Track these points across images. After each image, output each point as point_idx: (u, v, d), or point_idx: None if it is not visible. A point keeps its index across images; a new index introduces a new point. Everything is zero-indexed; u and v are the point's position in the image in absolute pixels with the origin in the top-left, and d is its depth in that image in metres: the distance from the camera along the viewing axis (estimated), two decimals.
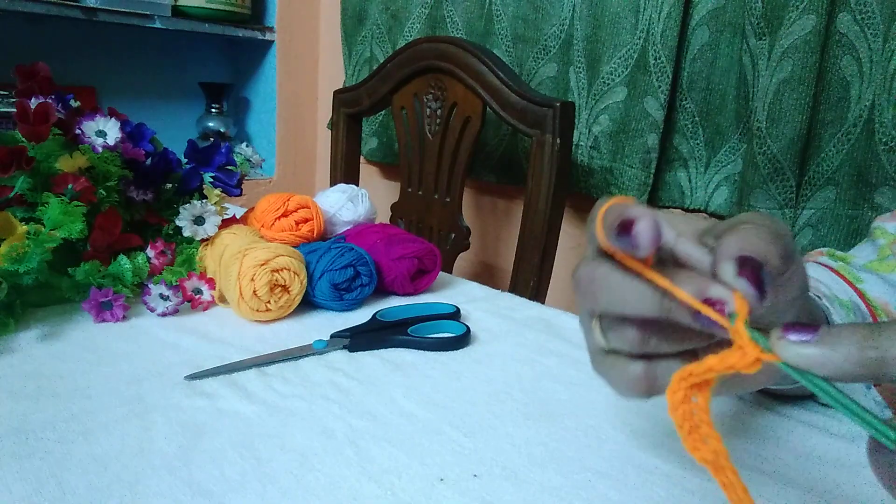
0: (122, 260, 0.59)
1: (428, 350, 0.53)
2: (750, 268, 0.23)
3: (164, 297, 0.56)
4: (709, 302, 0.23)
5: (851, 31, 0.90)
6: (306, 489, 0.34)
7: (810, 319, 0.34)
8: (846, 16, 0.90)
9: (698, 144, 1.11)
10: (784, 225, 0.25)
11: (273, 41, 1.78)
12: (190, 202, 0.62)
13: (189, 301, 0.58)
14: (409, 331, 0.54)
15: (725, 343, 0.23)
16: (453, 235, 1.12)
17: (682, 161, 1.13)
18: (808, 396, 0.46)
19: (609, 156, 1.16)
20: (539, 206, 0.97)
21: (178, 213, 0.62)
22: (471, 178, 1.35)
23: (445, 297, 0.67)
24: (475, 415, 0.43)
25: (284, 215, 0.69)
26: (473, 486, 0.35)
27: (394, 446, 0.38)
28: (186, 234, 0.62)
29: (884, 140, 0.91)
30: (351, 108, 1.28)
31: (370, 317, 0.58)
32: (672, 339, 0.26)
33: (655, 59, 1.06)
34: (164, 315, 0.56)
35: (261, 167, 1.77)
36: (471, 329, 0.55)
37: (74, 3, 1.40)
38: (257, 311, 0.56)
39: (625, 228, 0.23)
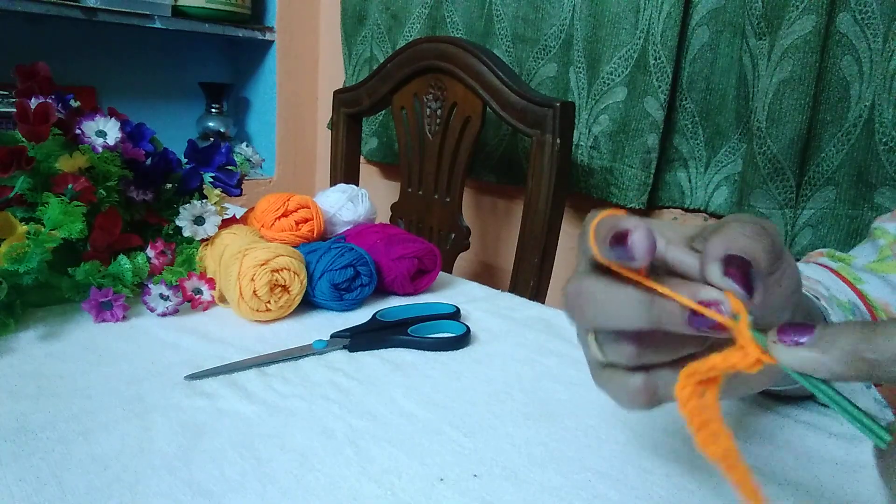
0: (122, 260, 0.59)
1: (428, 350, 0.53)
2: (736, 266, 0.23)
3: (164, 297, 0.56)
4: (702, 304, 0.23)
5: (851, 31, 0.90)
6: (306, 489, 0.34)
7: (807, 320, 0.34)
8: (846, 16, 0.90)
9: (698, 144, 1.11)
10: (771, 223, 0.25)
11: (273, 41, 1.78)
12: (190, 202, 0.62)
13: (189, 301, 0.58)
14: (409, 331, 0.54)
15: (725, 344, 0.23)
16: (453, 235, 1.12)
17: (682, 161, 1.13)
18: (808, 396, 0.46)
19: (609, 156, 1.16)
20: (539, 206, 0.97)
21: (178, 213, 0.62)
22: (471, 178, 1.35)
23: (445, 297, 0.67)
24: (475, 415, 0.43)
25: (284, 215, 0.69)
26: (473, 486, 0.35)
27: (394, 446, 0.38)
28: (186, 234, 0.62)
29: (884, 140, 0.91)
30: (351, 108, 1.28)
31: (370, 317, 0.58)
32: (668, 349, 0.26)
33: (655, 59, 1.06)
34: (164, 315, 0.56)
35: (261, 167, 1.76)
36: (471, 329, 0.55)
37: (74, 3, 1.40)
38: (257, 311, 0.56)
39: (619, 240, 0.23)
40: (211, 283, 0.59)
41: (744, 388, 0.28)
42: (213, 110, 1.82)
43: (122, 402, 0.41)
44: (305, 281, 0.58)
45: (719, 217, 1.11)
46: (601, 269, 0.26)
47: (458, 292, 0.69)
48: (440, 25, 1.40)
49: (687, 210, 1.15)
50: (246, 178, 0.71)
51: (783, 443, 0.41)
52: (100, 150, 0.59)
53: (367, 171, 1.67)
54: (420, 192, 1.18)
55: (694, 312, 0.23)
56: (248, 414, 0.41)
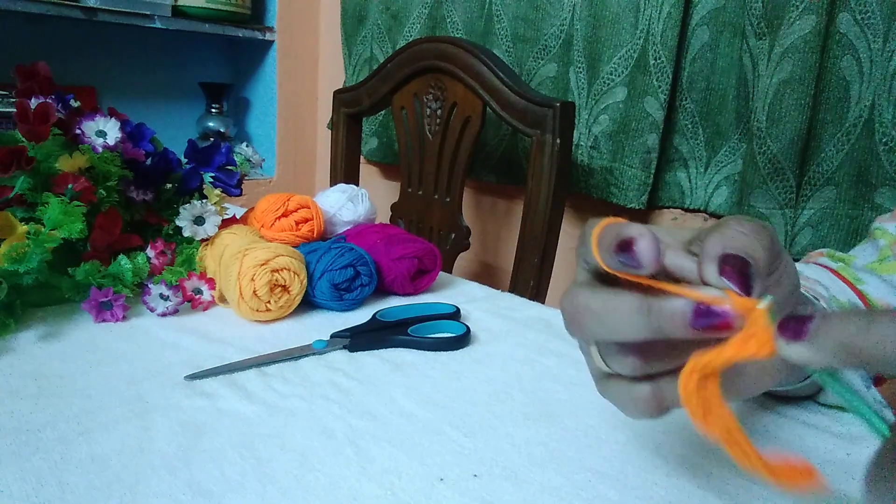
0: (122, 260, 0.59)
1: (428, 350, 0.53)
2: (734, 265, 0.23)
3: (164, 297, 0.56)
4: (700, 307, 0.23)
5: (851, 31, 0.90)
6: (306, 489, 0.34)
7: None
8: (846, 16, 0.90)
9: (698, 144, 1.11)
10: (768, 224, 0.25)
11: (273, 41, 1.78)
12: (190, 202, 0.62)
13: (189, 301, 0.58)
14: (409, 331, 0.54)
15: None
16: (453, 235, 1.12)
17: (682, 161, 1.13)
18: (808, 397, 0.46)
19: (609, 156, 1.16)
20: (539, 206, 0.98)
21: (178, 213, 0.62)
22: (471, 178, 1.35)
23: (445, 297, 0.67)
24: (475, 415, 0.43)
25: (284, 215, 0.69)
26: (473, 486, 0.35)
27: (394, 446, 0.38)
28: (186, 234, 0.62)
29: (884, 140, 0.91)
30: (351, 108, 1.28)
31: (370, 317, 0.58)
32: (672, 356, 0.26)
33: (655, 59, 1.06)
34: (164, 315, 0.56)
35: (261, 167, 1.76)
36: (471, 329, 0.55)
37: (74, 3, 1.40)
38: (257, 311, 0.56)
39: (623, 248, 0.23)
40: (211, 283, 0.59)
41: (752, 388, 0.28)
42: (213, 110, 1.82)
43: (122, 402, 0.41)
44: (305, 281, 0.58)
45: (719, 217, 1.11)
46: (599, 279, 0.25)
47: (458, 292, 0.69)
48: (440, 25, 1.40)
49: (687, 210, 1.15)
50: (246, 178, 0.71)
51: (783, 443, 0.41)
52: (100, 150, 0.59)
53: (367, 171, 1.67)
54: (420, 192, 1.18)
55: (695, 313, 0.23)
56: (248, 414, 0.41)
